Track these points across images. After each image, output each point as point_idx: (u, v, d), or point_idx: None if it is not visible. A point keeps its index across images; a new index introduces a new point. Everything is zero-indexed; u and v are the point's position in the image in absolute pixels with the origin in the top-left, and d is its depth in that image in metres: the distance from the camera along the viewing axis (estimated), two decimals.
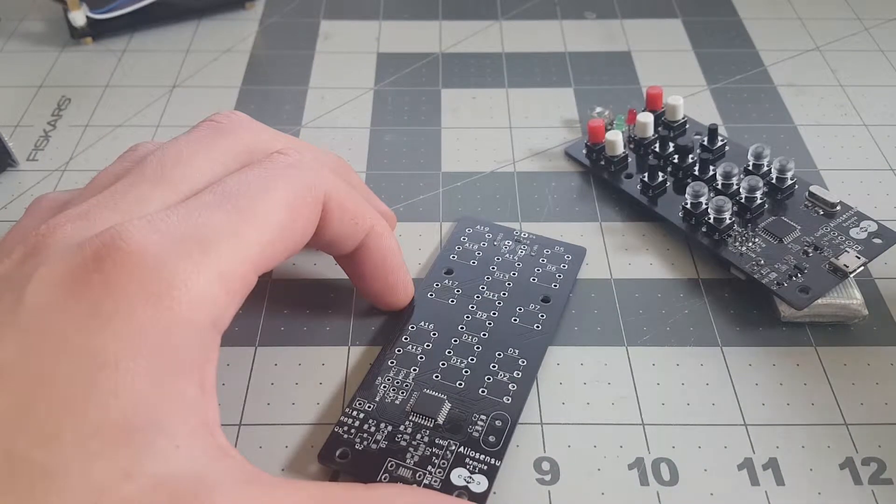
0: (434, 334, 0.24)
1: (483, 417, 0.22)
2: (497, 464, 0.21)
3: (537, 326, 0.24)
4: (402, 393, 0.22)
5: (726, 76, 0.35)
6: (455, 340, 0.24)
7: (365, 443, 0.21)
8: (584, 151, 0.31)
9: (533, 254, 0.27)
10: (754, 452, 0.22)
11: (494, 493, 0.21)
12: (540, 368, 0.23)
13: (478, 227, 0.28)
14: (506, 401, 0.22)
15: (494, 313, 0.25)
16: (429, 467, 0.21)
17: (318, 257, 0.27)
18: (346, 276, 0.25)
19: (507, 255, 0.27)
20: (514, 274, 0.26)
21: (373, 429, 0.21)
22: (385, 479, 0.20)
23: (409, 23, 0.39)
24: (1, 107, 0.34)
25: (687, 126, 0.31)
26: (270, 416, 0.23)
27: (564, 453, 0.22)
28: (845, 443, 0.22)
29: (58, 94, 0.35)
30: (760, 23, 0.39)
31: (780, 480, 0.21)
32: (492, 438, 0.21)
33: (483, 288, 0.25)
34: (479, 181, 0.30)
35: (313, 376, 0.24)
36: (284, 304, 0.26)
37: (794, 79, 0.35)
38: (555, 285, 0.26)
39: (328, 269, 0.27)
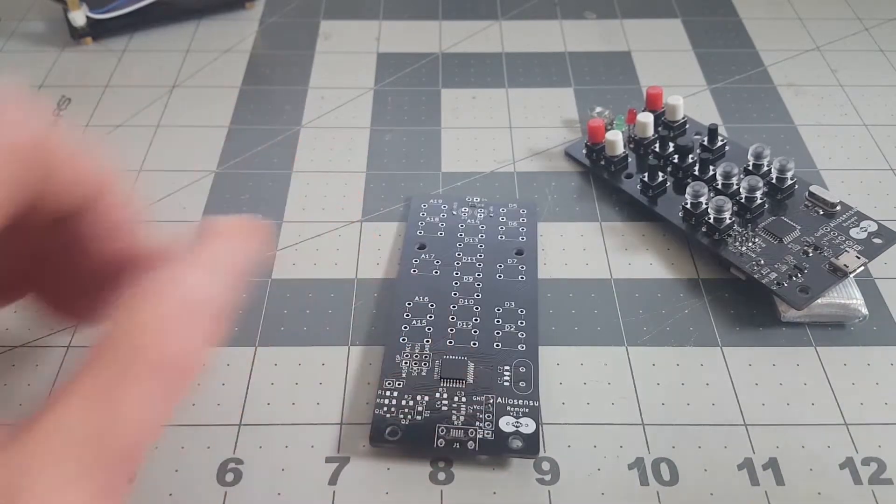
0: (432, 305, 0.25)
1: (507, 368, 0.23)
2: (536, 404, 0.22)
3: (521, 277, 0.26)
4: (425, 364, 0.23)
5: (726, 76, 0.35)
6: (454, 306, 0.25)
7: (409, 417, 0.22)
8: (584, 151, 0.31)
9: (492, 215, 0.28)
10: (754, 452, 0.22)
11: (494, 493, 0.21)
12: (540, 368, 0.23)
13: (431, 200, 0.29)
14: (521, 348, 0.23)
15: (479, 274, 0.26)
16: (477, 423, 0.21)
17: (318, 257, 0.27)
18: (346, 276, 0.25)
19: (469, 221, 0.28)
20: (482, 236, 0.27)
21: (411, 402, 0.22)
22: (440, 444, 0.21)
23: (409, 23, 0.39)
24: None
25: (687, 126, 0.31)
26: (270, 416, 0.23)
27: (564, 453, 0.22)
28: (845, 443, 0.22)
29: (58, 94, 0.35)
30: (760, 23, 0.39)
31: (780, 480, 0.21)
32: (522, 384, 0.22)
33: (459, 254, 0.26)
34: (479, 181, 0.30)
35: (313, 376, 0.24)
36: (284, 304, 0.26)
37: (794, 79, 0.35)
38: (522, 238, 0.27)
39: (328, 269, 0.27)
